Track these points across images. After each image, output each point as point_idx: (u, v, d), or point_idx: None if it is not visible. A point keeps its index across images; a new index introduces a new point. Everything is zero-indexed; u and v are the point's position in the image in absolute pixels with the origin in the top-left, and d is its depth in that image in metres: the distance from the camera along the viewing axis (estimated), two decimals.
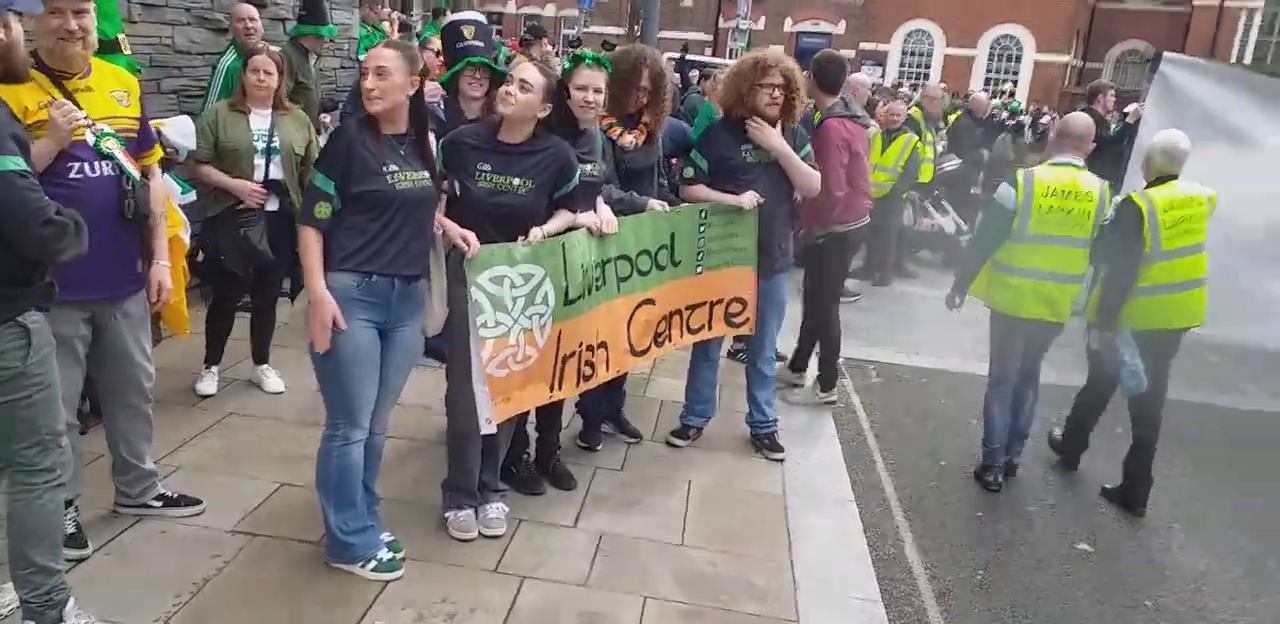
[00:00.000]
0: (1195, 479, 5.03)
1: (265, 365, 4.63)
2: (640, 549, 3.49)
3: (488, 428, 3.23)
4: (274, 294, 4.65)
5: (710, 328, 4.19)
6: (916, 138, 8.52)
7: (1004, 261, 4.41)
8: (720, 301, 4.15)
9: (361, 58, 6.77)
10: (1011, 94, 25.02)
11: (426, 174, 2.96)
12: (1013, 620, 3.54)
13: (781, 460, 4.39)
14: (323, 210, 2.80)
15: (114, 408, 3.11)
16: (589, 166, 3.53)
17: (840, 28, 35.81)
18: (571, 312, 3.40)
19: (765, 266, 4.23)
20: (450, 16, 3.99)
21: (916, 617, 3.49)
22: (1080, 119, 4.52)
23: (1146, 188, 4.44)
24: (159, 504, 3.28)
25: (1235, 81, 6.94)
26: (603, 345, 3.66)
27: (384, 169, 2.84)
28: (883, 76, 32.03)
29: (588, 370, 3.61)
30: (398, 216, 2.88)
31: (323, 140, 5.85)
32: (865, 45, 35.07)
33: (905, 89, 17.58)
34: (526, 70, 3.17)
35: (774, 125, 4.08)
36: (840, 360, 6.53)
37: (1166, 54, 7.09)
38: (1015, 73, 35.08)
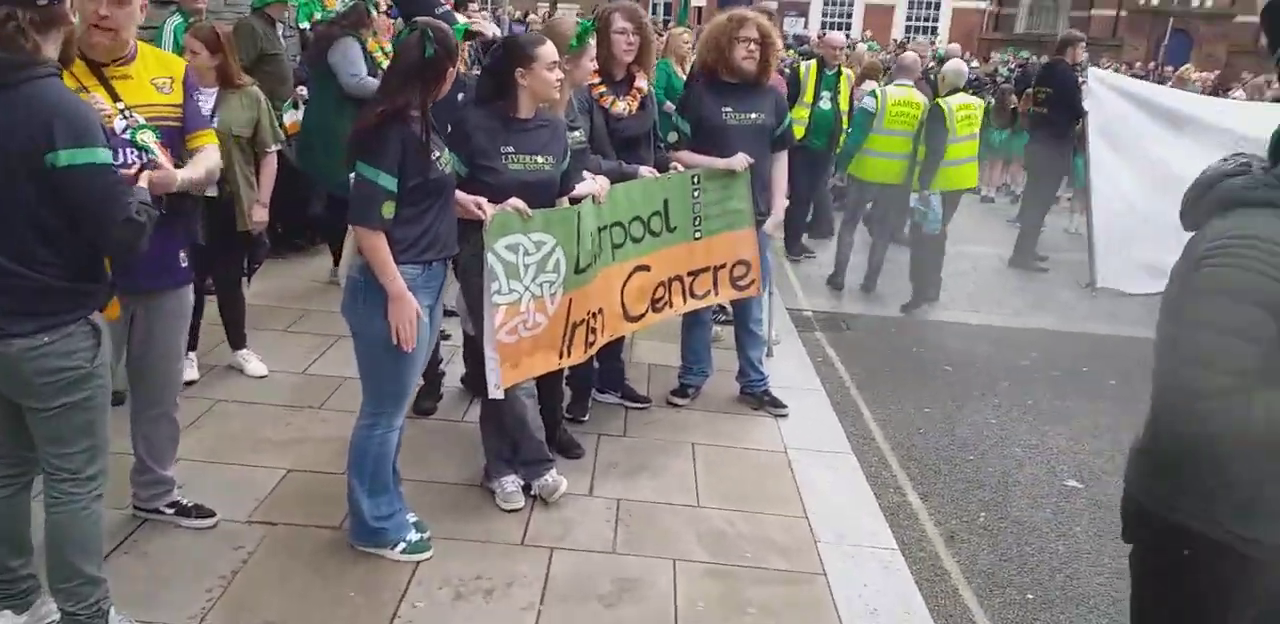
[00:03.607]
0: None
1: (244, 350, 4.49)
2: (659, 513, 3.51)
3: (495, 393, 3.21)
4: (235, 276, 4.48)
5: (716, 292, 4.19)
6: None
7: (874, 148, 7.01)
8: (724, 266, 4.15)
9: (303, 26, 6.51)
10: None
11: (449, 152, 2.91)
12: (1018, 558, 3.66)
13: (785, 415, 4.45)
14: (389, 209, 2.69)
15: (140, 408, 2.99)
16: (577, 133, 3.50)
17: None
18: (582, 280, 3.39)
19: None
20: None
21: (930, 562, 3.59)
22: (909, 57, 7.62)
23: (941, 96, 6.86)
24: (170, 511, 3.15)
25: (1149, 95, 7.87)
26: (600, 311, 3.64)
27: (433, 157, 2.76)
28: (805, 27, 31.97)
29: (591, 336, 3.60)
30: (444, 201, 2.84)
31: (299, 116, 5.63)
32: None
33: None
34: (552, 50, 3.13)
35: (754, 82, 4.08)
36: (810, 313, 6.70)
37: (1092, 70, 8.22)
38: (935, 20, 35.41)
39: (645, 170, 3.87)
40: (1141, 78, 14.39)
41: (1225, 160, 1.82)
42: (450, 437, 3.97)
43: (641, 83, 3.94)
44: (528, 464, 3.47)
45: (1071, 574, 3.55)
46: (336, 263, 5.70)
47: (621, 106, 3.85)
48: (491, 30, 4.04)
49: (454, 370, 4.48)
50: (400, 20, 4.77)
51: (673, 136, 4.17)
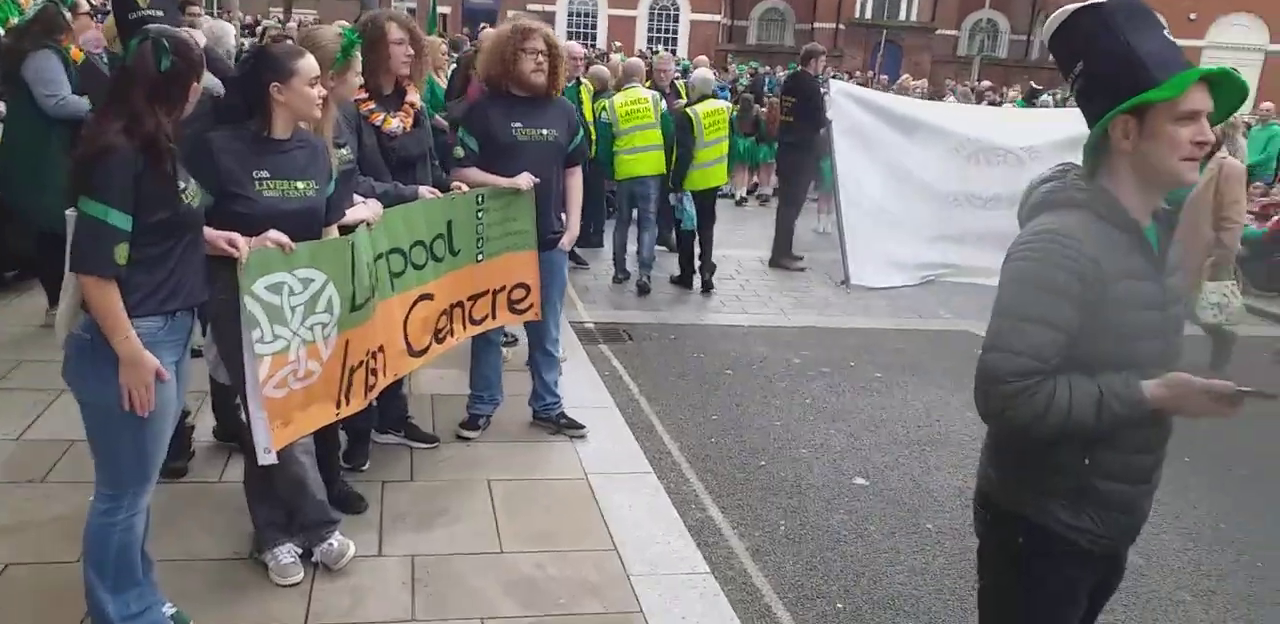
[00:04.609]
0: (939, 396, 5.56)
1: None
2: (460, 566, 3.23)
3: (267, 458, 2.81)
4: None
5: (494, 317, 3.97)
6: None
7: (621, 148, 7.38)
8: (503, 289, 3.94)
9: None
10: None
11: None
12: (823, 565, 3.69)
13: (584, 436, 4.32)
14: (123, 253, 2.25)
15: None
16: (343, 150, 3.16)
17: None
18: (359, 318, 3.05)
19: (543, 243, 4.06)
20: None
21: (741, 581, 3.53)
22: (634, 63, 8.12)
23: (691, 104, 7.57)
24: None
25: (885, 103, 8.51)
26: (381, 349, 3.32)
27: (179, 188, 2.35)
28: None
29: (372, 379, 3.27)
30: (191, 240, 2.44)
31: None
32: (533, 6, 35.02)
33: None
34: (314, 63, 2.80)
35: (545, 95, 3.93)
36: (592, 325, 6.59)
37: (833, 81, 8.81)
38: (674, 32, 36.72)
39: (425, 190, 3.60)
40: (862, 85, 15.60)
41: (1052, 168, 1.98)
42: (208, 501, 3.48)
43: (414, 97, 3.67)
44: (308, 528, 3.08)
45: (874, 576, 3.62)
46: (52, 303, 4.93)
47: (395, 124, 3.56)
48: (201, 39, 3.57)
49: (204, 422, 3.96)
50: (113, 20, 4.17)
51: (459, 152, 3.94)
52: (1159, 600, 3.61)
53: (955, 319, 7.51)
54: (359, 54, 3.21)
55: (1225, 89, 1.81)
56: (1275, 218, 8.90)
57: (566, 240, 4.18)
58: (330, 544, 3.09)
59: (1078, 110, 1.99)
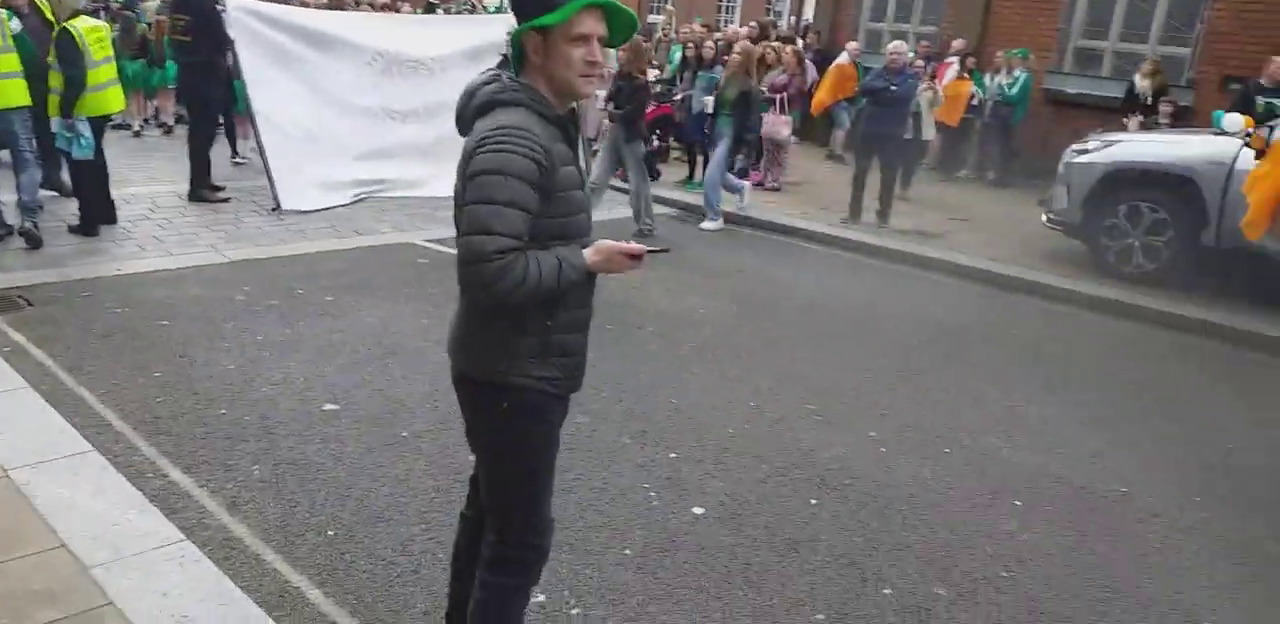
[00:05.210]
0: (392, 309, 5.65)
1: None
2: None
3: None
4: None
5: None
6: None
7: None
8: None
9: None
10: None
11: None
12: (306, 499, 3.64)
13: None
14: None
15: None
16: None
17: None
18: None
19: None
20: None
21: (221, 539, 3.32)
22: None
23: (68, 20, 6.51)
24: None
25: (288, 18, 8.30)
26: None
27: None
28: None
29: None
30: None
31: None
32: None
33: None
34: None
35: None
36: None
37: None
38: None
39: None
40: None
41: (483, 73, 2.18)
42: None
43: None
44: None
45: (360, 496, 3.67)
46: None
47: None
48: None
49: None
50: None
51: None
52: (605, 447, 4.21)
53: (395, 233, 7.65)
54: None
55: (617, 17, 2.12)
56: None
57: None
58: None
59: (477, 18, 2.22)
